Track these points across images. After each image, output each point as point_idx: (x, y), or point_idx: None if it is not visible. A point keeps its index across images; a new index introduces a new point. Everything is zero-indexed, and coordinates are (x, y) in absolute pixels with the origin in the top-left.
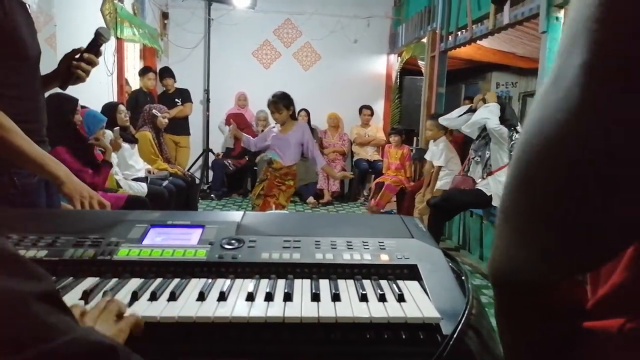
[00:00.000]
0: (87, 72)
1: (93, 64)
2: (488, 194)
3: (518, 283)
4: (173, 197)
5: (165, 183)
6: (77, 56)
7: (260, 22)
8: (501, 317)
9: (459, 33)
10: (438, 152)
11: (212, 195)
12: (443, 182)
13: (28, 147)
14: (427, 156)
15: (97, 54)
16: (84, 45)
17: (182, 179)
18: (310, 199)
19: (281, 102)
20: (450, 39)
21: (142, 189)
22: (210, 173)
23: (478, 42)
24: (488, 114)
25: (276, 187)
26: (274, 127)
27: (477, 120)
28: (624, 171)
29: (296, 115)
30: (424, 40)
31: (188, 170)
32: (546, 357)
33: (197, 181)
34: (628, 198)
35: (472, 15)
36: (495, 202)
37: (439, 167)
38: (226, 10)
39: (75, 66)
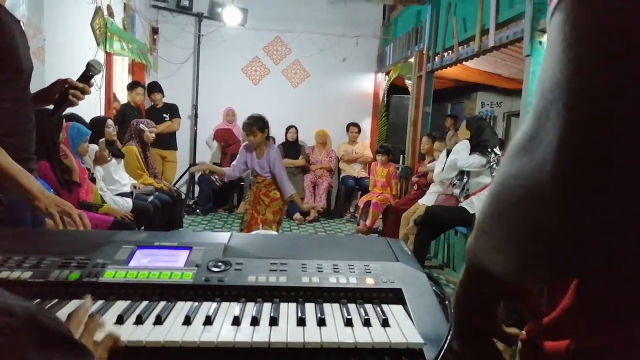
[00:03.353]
0: (80, 100)
1: (86, 93)
2: (471, 212)
3: (489, 272)
4: (158, 213)
5: (150, 198)
6: (66, 86)
7: (250, 39)
8: (462, 287)
9: (446, 54)
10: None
11: (197, 211)
12: (428, 199)
13: (4, 160)
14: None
15: (89, 84)
16: (72, 58)
17: (168, 194)
18: (297, 215)
19: (255, 125)
20: (436, 59)
21: (127, 204)
22: (197, 188)
23: (464, 63)
24: (455, 154)
25: (261, 199)
26: (247, 146)
27: (449, 164)
28: (588, 241)
29: (269, 138)
30: (412, 60)
31: (174, 185)
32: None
33: (183, 196)
34: (586, 256)
35: (459, 37)
36: None
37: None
38: (216, 26)
39: (71, 94)
